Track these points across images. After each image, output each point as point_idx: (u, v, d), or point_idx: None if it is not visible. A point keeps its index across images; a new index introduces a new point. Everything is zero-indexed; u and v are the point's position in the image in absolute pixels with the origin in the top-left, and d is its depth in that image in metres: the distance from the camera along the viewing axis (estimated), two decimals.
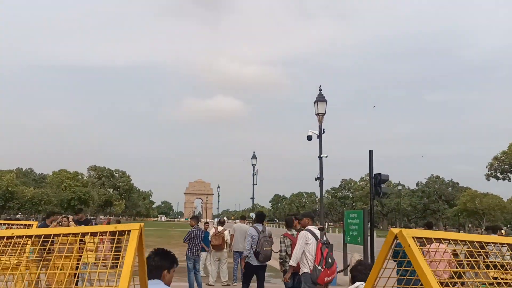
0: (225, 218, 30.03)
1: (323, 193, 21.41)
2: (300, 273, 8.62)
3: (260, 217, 10.71)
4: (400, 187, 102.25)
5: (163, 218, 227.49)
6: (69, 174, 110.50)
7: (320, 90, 22.01)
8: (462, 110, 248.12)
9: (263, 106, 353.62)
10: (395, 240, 1.96)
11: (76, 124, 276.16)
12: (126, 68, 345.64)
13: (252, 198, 42.60)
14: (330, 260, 8.19)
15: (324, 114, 21.57)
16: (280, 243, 9.71)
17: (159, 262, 3.52)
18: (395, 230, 1.96)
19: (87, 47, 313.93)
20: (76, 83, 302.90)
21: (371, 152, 17.07)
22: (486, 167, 77.51)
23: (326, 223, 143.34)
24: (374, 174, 17.05)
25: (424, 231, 1.98)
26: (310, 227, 8.45)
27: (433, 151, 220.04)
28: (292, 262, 8.57)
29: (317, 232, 8.38)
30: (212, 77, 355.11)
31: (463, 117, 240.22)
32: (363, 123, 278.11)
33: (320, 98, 21.68)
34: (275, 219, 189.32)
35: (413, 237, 1.89)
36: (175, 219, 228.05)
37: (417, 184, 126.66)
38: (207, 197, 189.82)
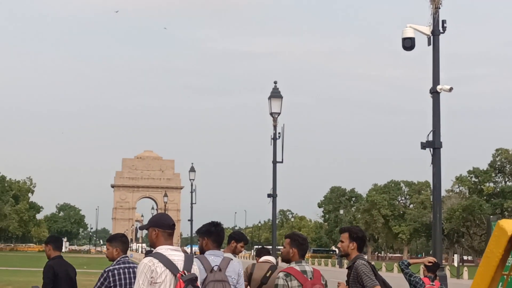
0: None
1: (442, 183, 11.38)
2: None
3: (214, 234, 7.22)
4: None
5: (64, 244, 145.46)
6: None
7: None
8: None
9: None
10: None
11: None
12: None
13: (273, 196, 23.81)
14: None
15: None
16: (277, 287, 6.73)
17: None
18: (507, 224, 1.53)
19: None
20: None
21: None
22: None
23: (455, 256, 78.19)
24: None
25: None
26: (163, 248, 5.49)
27: None
28: None
29: (178, 258, 5.60)
30: None
31: None
32: None
33: None
34: (332, 250, 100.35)
35: None
36: (91, 247, 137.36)
37: None
38: (166, 195, 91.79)
